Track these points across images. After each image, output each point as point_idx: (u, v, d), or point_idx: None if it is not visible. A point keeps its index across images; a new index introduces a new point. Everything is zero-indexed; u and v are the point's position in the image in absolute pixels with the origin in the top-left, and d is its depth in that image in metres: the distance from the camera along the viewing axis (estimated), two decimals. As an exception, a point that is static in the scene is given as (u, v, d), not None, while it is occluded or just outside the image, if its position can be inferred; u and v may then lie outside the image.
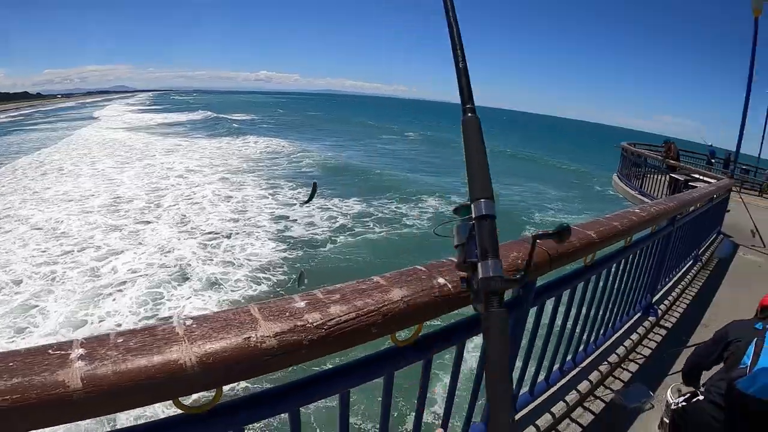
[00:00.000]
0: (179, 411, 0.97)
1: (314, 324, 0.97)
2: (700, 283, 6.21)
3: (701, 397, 2.27)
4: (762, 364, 1.92)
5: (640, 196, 11.83)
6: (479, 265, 0.84)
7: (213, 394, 0.97)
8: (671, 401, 2.86)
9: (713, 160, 20.77)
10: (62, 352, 0.82)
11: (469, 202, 0.89)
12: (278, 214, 18.01)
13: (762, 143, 21.63)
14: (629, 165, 14.23)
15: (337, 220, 17.65)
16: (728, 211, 9.99)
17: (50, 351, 0.83)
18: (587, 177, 36.84)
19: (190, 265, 12.63)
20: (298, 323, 0.95)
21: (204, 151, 33.55)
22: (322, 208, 19.06)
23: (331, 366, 1.25)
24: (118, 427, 1.02)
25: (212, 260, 13.05)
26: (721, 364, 2.36)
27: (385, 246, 15.09)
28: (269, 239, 15.01)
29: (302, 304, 1.02)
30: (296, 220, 17.40)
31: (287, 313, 0.97)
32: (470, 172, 0.89)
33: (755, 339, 2.07)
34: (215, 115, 63.96)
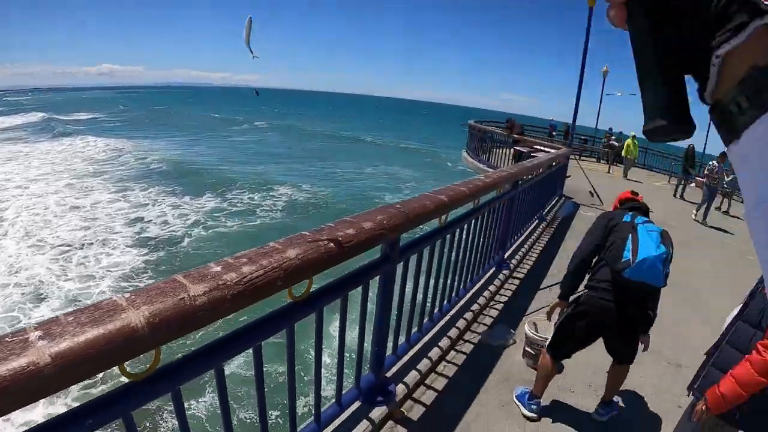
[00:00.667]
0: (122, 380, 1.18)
1: (233, 282, 1.25)
2: (546, 239, 7.27)
3: (590, 292, 2.83)
4: (641, 256, 2.54)
5: (488, 169, 13.13)
6: None
7: (149, 364, 1.20)
8: (530, 334, 3.52)
9: (554, 133, 23.54)
10: (20, 337, 0.91)
11: None
12: (133, 217, 17.17)
13: (598, 117, 25.32)
14: (477, 141, 15.73)
15: (189, 217, 17.40)
16: (568, 176, 11.67)
17: (7, 339, 0.90)
18: (438, 156, 39.24)
19: (43, 282, 11.60)
20: (220, 282, 1.23)
21: (46, 156, 30.21)
22: (173, 206, 18.65)
23: (242, 325, 1.53)
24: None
25: (68, 275, 12.11)
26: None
27: (243, 236, 15.34)
28: (127, 246, 14.29)
29: (218, 268, 1.29)
30: (151, 220, 16.85)
31: (208, 276, 1.24)
32: None
33: (629, 235, 2.69)
34: (54, 116, 57.40)
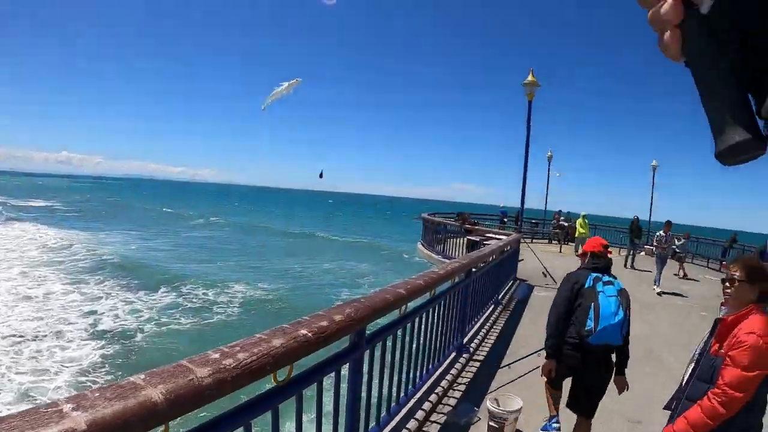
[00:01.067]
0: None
1: (231, 366, 1.55)
2: (503, 322, 7.65)
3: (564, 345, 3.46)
4: (602, 325, 3.18)
5: (443, 259, 13.73)
6: None
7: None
8: (493, 409, 3.80)
9: (505, 219, 24.76)
10: (54, 409, 1.07)
11: None
12: (86, 310, 16.68)
13: (546, 200, 27.29)
14: (431, 233, 16.55)
15: (143, 313, 17.06)
16: (521, 260, 12.34)
17: (42, 410, 1.05)
18: (394, 249, 40.02)
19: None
20: (221, 366, 1.52)
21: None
22: (126, 301, 18.27)
23: (233, 406, 1.77)
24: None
25: (20, 368, 11.52)
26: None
27: (200, 333, 15.23)
28: (83, 339, 13.86)
29: (217, 355, 1.58)
30: (104, 312, 16.48)
31: (210, 362, 1.53)
32: None
33: (591, 303, 3.27)
34: (7, 201, 56.13)
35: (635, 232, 16.10)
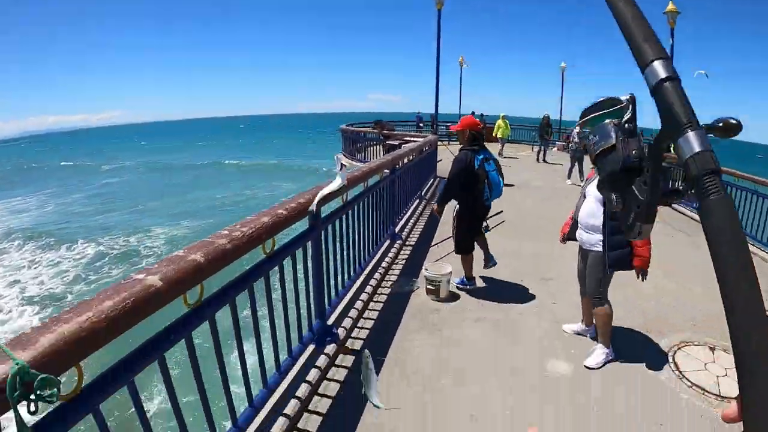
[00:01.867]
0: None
1: (238, 237, 2.06)
2: (428, 214, 8.47)
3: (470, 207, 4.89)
4: (494, 194, 4.82)
5: (365, 166, 14.29)
6: (686, 137, 0.57)
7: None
8: (428, 275, 4.63)
9: (422, 124, 25.28)
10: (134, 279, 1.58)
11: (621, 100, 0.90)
12: (11, 279, 16.17)
13: (460, 103, 28.37)
14: (351, 143, 17.01)
15: (69, 272, 16.67)
16: (440, 160, 13.10)
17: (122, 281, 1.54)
18: (313, 165, 40.07)
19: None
20: (235, 235, 2.04)
21: None
22: (51, 263, 17.68)
23: (226, 282, 2.26)
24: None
25: None
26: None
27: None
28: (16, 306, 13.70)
29: (223, 241, 2.09)
30: (27, 281, 15.97)
31: (225, 236, 2.04)
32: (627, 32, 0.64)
33: (485, 181, 4.70)
34: None
35: (545, 129, 17.15)
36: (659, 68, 0.60)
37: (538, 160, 17.24)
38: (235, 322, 2.22)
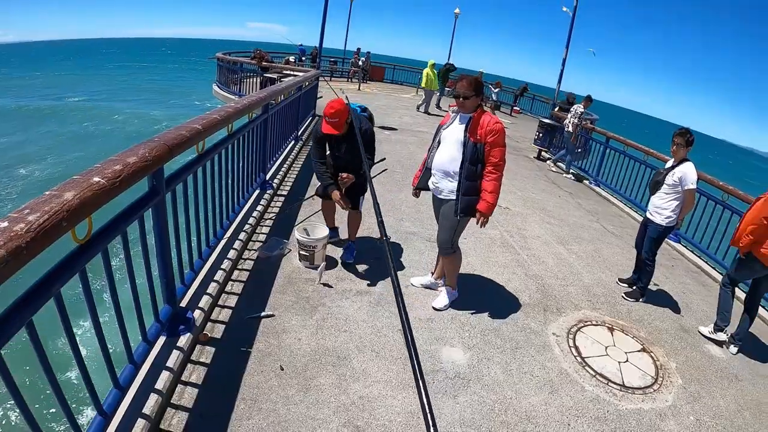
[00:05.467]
0: None
1: (23, 231, 1.35)
2: (304, 157, 7.86)
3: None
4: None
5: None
6: None
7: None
8: (302, 239, 4.05)
9: (303, 58, 24.04)
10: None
11: None
12: None
13: (346, 39, 27.38)
14: (226, 73, 15.74)
15: None
16: (320, 97, 12.38)
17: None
18: (182, 94, 37.01)
19: None
20: (12, 234, 1.31)
21: None
22: None
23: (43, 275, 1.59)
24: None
25: None
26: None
27: None
28: None
29: (5, 223, 1.36)
30: None
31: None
32: None
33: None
34: None
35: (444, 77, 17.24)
36: None
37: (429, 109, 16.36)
38: (38, 349, 1.57)
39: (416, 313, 3.83)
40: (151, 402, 2.30)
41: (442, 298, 4.02)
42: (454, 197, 3.56)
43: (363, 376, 2.98)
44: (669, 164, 4.81)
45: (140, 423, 2.16)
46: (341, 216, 4.73)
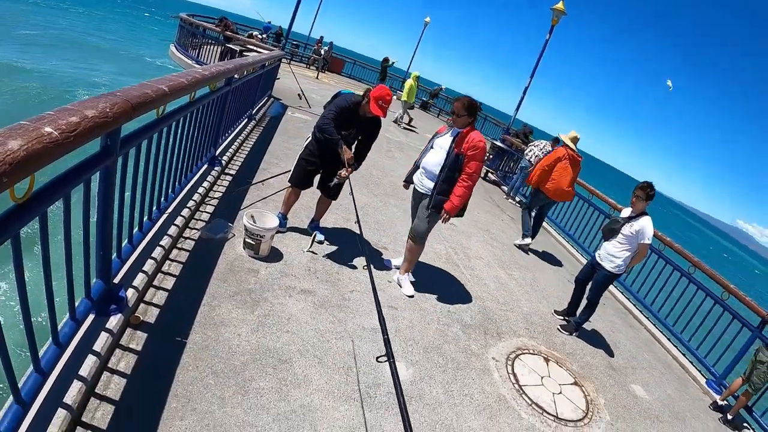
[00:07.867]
0: None
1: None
2: (255, 137, 7.51)
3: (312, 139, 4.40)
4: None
5: (196, 65, 12.54)
6: None
7: None
8: (249, 226, 3.77)
9: (266, 35, 23.24)
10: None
11: None
12: None
13: (313, 25, 26.98)
14: (187, 35, 14.92)
15: None
16: (278, 78, 12.03)
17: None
18: (136, 52, 34.98)
19: None
20: None
21: None
22: None
23: None
24: None
25: None
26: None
27: None
28: None
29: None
30: None
31: None
32: None
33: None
34: None
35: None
36: None
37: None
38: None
39: (360, 321, 3.66)
40: (74, 390, 2.00)
41: (407, 285, 4.47)
42: (430, 193, 4.16)
43: (305, 383, 2.78)
44: (626, 213, 4.91)
45: (61, 414, 1.87)
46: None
